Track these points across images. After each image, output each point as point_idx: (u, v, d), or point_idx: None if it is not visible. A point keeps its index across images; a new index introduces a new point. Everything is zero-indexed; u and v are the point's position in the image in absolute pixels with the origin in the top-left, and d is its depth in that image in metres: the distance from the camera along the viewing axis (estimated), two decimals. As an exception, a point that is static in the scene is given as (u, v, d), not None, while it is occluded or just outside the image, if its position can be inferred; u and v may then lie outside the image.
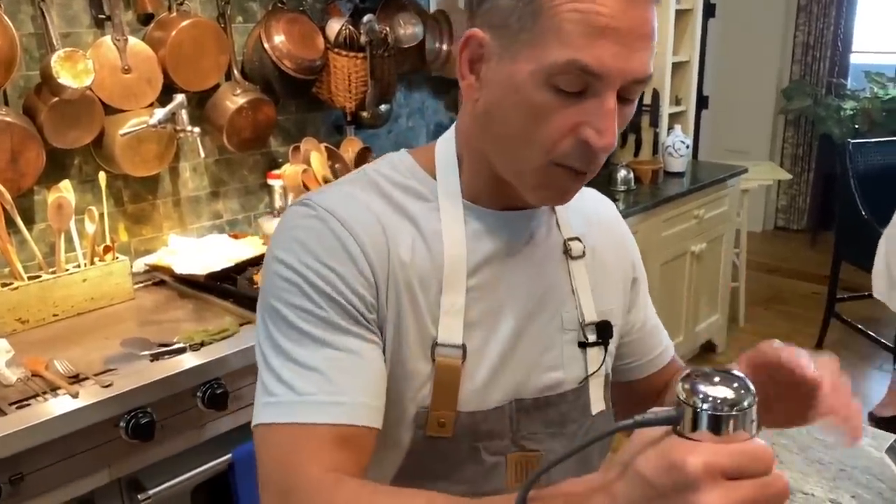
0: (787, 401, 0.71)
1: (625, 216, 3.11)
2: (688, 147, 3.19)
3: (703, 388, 0.49)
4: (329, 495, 0.64)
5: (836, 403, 0.70)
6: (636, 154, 3.29)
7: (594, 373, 0.85)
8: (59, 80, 1.64)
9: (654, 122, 3.25)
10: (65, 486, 1.34)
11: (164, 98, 1.89)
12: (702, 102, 4.92)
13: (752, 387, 0.50)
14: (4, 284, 1.64)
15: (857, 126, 4.62)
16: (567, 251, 0.85)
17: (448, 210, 0.78)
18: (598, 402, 0.86)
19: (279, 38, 2.08)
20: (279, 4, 2.13)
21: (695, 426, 0.49)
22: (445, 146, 0.81)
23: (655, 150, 3.27)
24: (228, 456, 1.53)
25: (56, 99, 1.68)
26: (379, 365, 0.73)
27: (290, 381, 0.69)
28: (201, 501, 1.55)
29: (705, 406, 0.49)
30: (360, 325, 0.73)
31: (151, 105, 1.88)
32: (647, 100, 3.22)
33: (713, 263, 3.31)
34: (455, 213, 0.78)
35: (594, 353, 0.85)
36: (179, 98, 1.86)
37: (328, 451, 0.67)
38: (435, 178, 0.80)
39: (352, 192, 0.78)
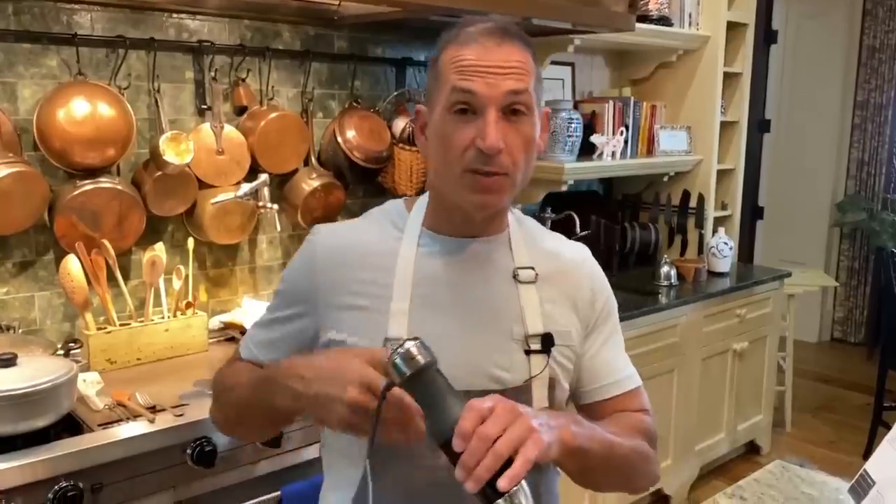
0: None
1: (664, 308, 3.29)
2: (731, 248, 3.32)
3: None
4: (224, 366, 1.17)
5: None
6: (682, 253, 3.44)
7: (536, 375, 1.04)
8: (165, 157, 1.93)
9: (699, 224, 3.41)
10: (136, 501, 1.53)
11: (250, 178, 2.17)
12: (757, 213, 5.05)
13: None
14: (100, 328, 1.90)
15: (912, 241, 4.65)
16: (515, 276, 1.07)
17: (408, 236, 1.07)
18: (540, 400, 1.04)
19: (351, 133, 2.37)
20: (354, 104, 2.43)
21: None
22: (427, 194, 1.11)
23: (700, 251, 3.41)
24: (278, 493, 1.69)
25: (160, 173, 1.98)
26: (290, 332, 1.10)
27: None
28: (250, 532, 1.70)
29: None
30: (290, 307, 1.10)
31: (238, 184, 2.16)
32: (693, 203, 3.40)
33: (756, 364, 3.36)
34: (411, 238, 1.07)
35: (537, 360, 1.05)
36: (263, 177, 2.14)
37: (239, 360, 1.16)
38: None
39: (356, 222, 1.14)
